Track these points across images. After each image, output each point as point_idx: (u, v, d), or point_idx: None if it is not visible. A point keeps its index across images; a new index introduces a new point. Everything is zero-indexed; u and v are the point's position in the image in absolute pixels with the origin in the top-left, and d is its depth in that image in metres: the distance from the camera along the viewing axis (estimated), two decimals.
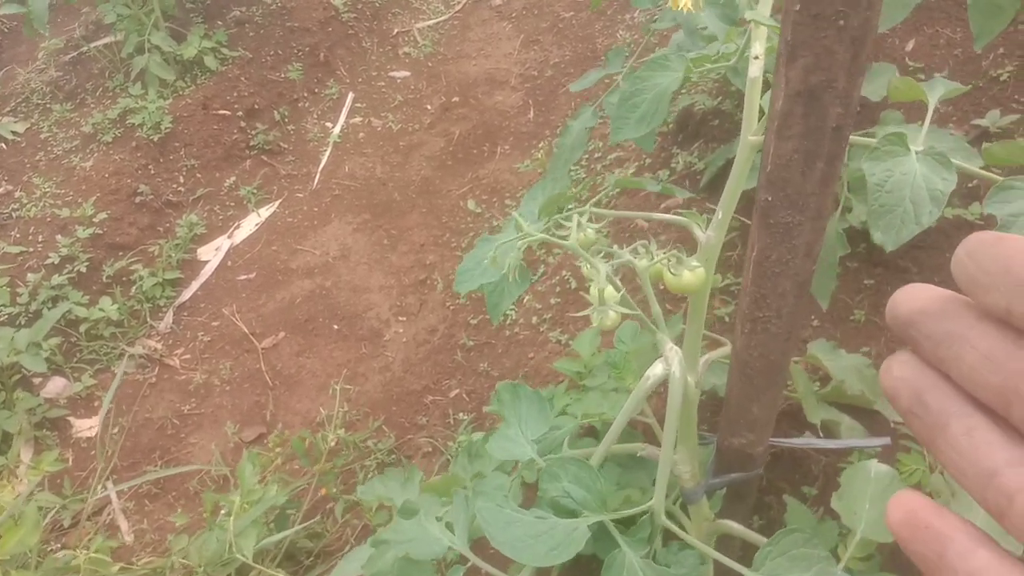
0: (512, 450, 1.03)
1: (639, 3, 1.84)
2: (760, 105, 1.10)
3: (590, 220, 1.09)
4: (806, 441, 1.22)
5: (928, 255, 2.08)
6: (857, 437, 1.54)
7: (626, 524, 0.92)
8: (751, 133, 1.07)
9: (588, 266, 1.06)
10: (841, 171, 0.76)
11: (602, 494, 0.88)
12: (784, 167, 0.78)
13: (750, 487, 1.25)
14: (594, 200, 1.17)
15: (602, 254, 1.07)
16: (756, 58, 1.08)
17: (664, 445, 0.91)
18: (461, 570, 1.07)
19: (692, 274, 1.03)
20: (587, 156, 3.44)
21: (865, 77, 0.72)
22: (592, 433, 1.55)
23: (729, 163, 2.48)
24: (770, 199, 0.81)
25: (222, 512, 2.23)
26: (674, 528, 0.88)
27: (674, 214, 1.21)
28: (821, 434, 1.61)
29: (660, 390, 1.08)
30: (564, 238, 1.00)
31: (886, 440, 1.24)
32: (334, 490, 2.42)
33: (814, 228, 0.83)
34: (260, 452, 2.39)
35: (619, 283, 0.92)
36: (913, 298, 0.36)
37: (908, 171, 0.94)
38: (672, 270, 1.03)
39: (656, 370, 0.96)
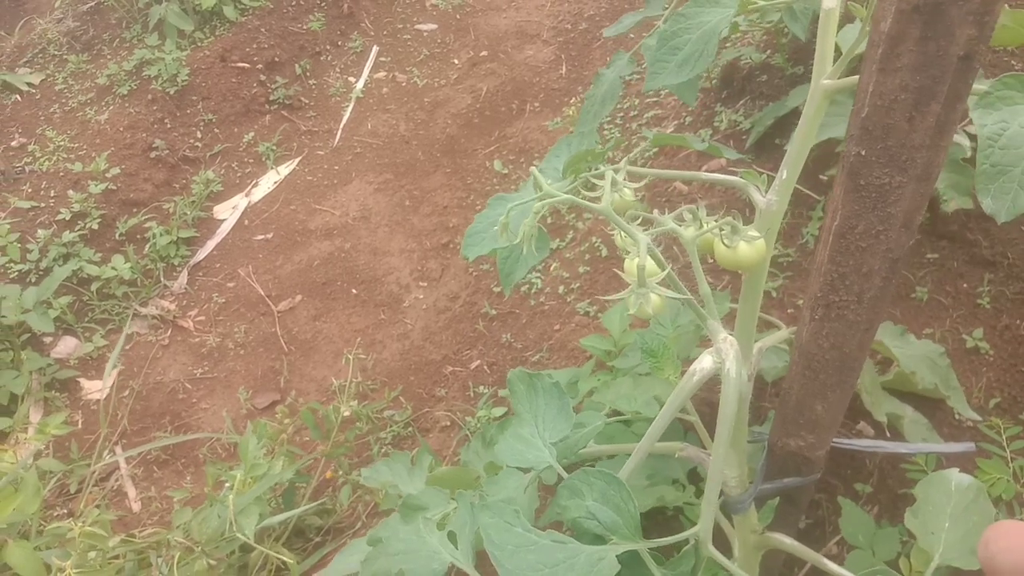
0: (526, 454, 0.87)
1: None
2: (836, 43, 0.91)
3: (626, 179, 0.91)
4: (874, 443, 1.04)
5: (999, 226, 1.87)
6: (921, 431, 1.36)
7: (664, 552, 0.76)
8: (824, 76, 0.88)
9: (623, 236, 0.88)
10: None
11: (635, 518, 0.72)
12: (886, 111, 0.60)
13: (804, 493, 1.08)
14: (629, 157, 0.98)
15: (639, 220, 0.89)
16: None
17: (713, 458, 0.74)
18: None
19: (750, 246, 0.85)
20: (621, 114, 3.23)
21: None
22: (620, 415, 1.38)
23: (779, 122, 2.26)
24: (863, 153, 0.63)
25: (225, 486, 2.12)
26: (722, 561, 0.72)
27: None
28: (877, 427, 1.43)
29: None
30: (595, 200, 0.82)
31: (970, 446, 1.05)
32: (340, 472, 2.29)
33: (917, 192, 0.64)
34: (268, 423, 2.27)
35: (662, 258, 0.74)
36: (1015, 548, 0.34)
37: None
38: (726, 241, 0.85)
39: (704, 364, 0.79)
